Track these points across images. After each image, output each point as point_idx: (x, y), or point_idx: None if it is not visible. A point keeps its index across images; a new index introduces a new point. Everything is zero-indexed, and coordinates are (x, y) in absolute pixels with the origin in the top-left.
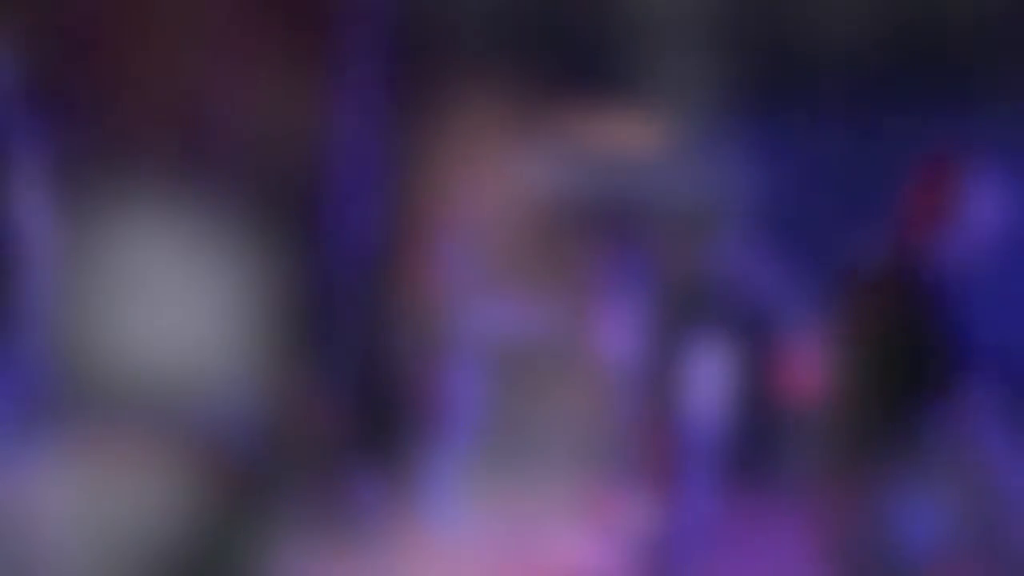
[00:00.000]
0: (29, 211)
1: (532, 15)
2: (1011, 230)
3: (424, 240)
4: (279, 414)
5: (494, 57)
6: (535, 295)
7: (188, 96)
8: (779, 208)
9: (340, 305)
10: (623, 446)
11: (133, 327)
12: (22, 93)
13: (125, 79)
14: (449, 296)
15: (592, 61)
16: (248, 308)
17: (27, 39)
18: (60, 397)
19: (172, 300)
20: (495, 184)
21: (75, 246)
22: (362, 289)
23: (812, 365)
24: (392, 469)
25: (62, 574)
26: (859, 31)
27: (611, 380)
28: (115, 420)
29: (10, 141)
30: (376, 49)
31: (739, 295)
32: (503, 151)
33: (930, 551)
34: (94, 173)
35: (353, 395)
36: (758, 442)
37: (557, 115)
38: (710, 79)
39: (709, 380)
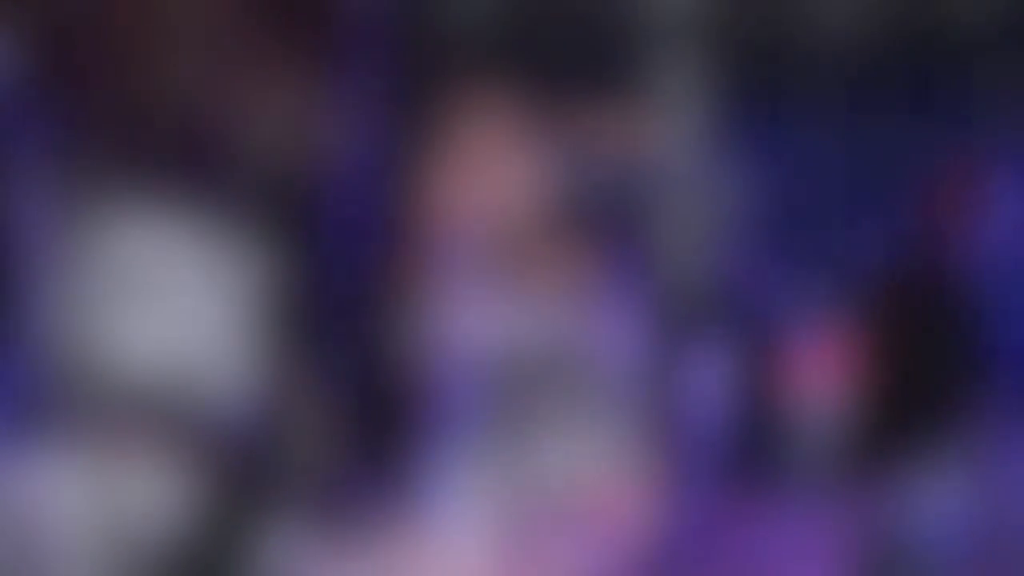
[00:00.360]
0: (30, 210)
1: (532, 16)
2: None
3: (425, 240)
4: (280, 414)
5: (493, 58)
6: (536, 295)
7: (190, 97)
8: (785, 208)
9: (341, 305)
10: (626, 446)
11: (134, 327)
12: (23, 91)
13: (127, 79)
14: (450, 296)
15: (592, 61)
16: (250, 308)
17: (29, 36)
18: (61, 397)
19: (173, 300)
20: (496, 184)
21: (76, 245)
22: (363, 289)
23: (821, 366)
24: (392, 469)
25: (63, 573)
26: (869, 27)
27: (614, 381)
28: (115, 420)
29: (11, 140)
30: (377, 51)
31: (744, 295)
32: (503, 152)
33: (948, 552)
34: (95, 172)
35: (353, 395)
36: (766, 444)
37: (558, 116)
38: (714, 78)
39: (714, 381)
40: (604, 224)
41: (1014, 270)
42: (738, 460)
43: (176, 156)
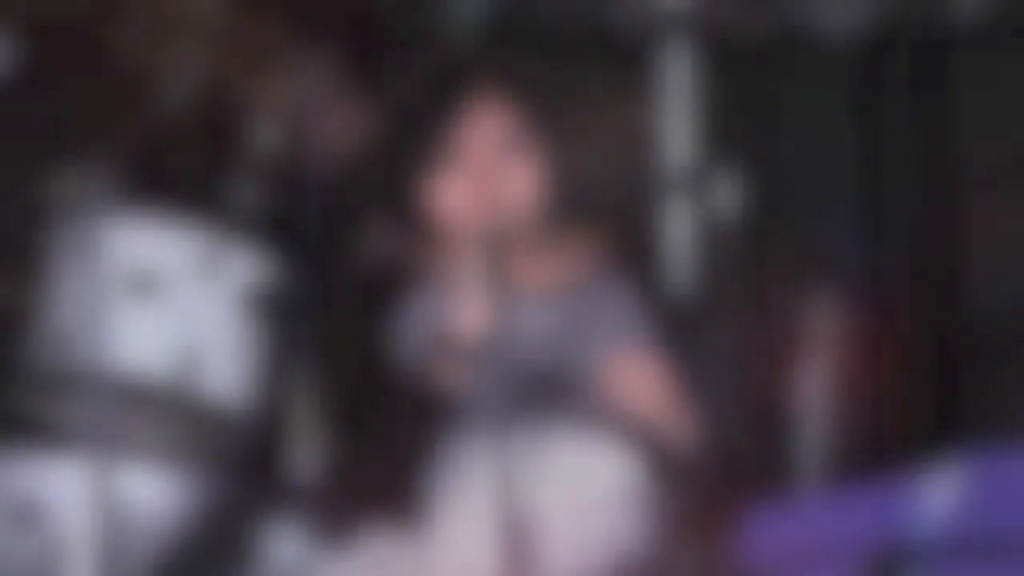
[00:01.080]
0: (31, 209)
1: (532, 17)
2: None
3: (425, 239)
4: (279, 413)
5: (494, 59)
6: (536, 293)
7: (192, 97)
8: (785, 207)
9: (342, 304)
10: (628, 446)
11: (135, 326)
12: (22, 87)
13: (128, 79)
14: (451, 294)
15: (592, 62)
16: (250, 308)
17: (31, 34)
18: (61, 395)
19: (173, 299)
20: (496, 184)
21: (77, 244)
22: (364, 288)
23: (824, 366)
24: (393, 467)
25: (63, 570)
26: (873, 26)
27: (617, 379)
28: (115, 419)
29: (11, 138)
30: (378, 52)
31: (745, 295)
32: (503, 152)
33: (949, 551)
34: (96, 172)
35: (354, 394)
36: (768, 443)
37: (558, 116)
38: (713, 78)
39: (717, 379)
40: (604, 223)
41: (1017, 270)
42: (740, 459)
43: (177, 156)
